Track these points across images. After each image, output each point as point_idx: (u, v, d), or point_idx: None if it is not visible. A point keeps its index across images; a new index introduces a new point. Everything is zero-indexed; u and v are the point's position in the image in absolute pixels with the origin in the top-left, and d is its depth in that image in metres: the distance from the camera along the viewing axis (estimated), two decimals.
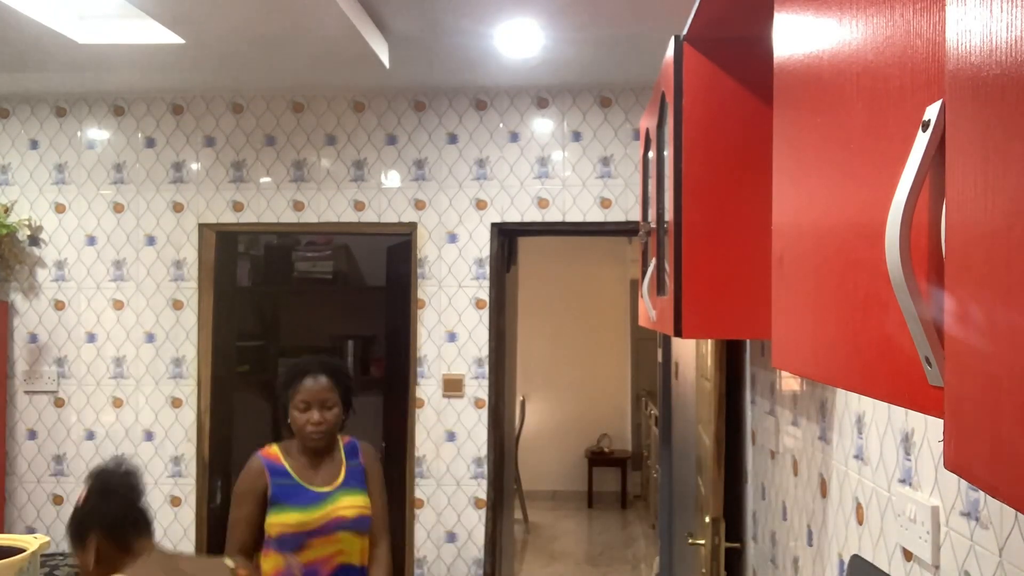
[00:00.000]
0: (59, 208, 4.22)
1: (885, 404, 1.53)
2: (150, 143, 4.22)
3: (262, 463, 2.56)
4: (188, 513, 4.13)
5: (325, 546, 2.51)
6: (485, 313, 4.08)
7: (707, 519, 2.73)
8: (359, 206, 4.12)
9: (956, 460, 0.54)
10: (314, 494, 2.53)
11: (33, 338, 4.21)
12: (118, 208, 4.21)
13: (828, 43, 0.81)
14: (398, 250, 4.56)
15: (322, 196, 4.14)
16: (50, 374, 4.20)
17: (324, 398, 2.58)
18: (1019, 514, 1.09)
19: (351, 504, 2.56)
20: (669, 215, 1.78)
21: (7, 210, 4.18)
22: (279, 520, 2.49)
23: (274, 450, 2.61)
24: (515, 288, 4.82)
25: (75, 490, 4.17)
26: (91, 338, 4.20)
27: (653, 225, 2.05)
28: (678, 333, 1.70)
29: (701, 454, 3.04)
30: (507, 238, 4.33)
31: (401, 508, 4.15)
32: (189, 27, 2.99)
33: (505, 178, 4.08)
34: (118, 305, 4.19)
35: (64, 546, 4.15)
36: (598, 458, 8.02)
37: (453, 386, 4.06)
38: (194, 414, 4.16)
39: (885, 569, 1.53)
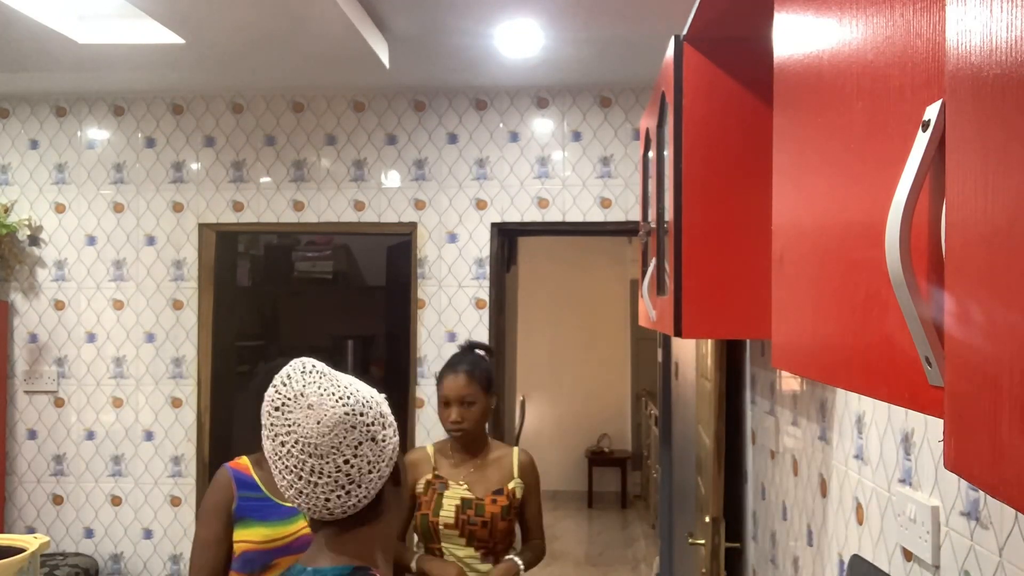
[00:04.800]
0: (59, 208, 4.22)
1: (885, 404, 1.53)
2: (150, 143, 4.22)
3: (229, 475, 2.20)
4: (188, 513, 4.13)
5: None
6: (485, 313, 4.07)
7: (707, 519, 2.73)
8: (359, 206, 4.12)
9: (956, 460, 0.54)
10: (285, 509, 2.17)
11: (33, 338, 4.21)
12: (118, 208, 4.20)
13: (828, 43, 0.81)
14: (398, 250, 4.56)
15: (322, 196, 4.14)
16: (50, 374, 4.20)
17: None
18: (1019, 514, 1.09)
19: None
20: (669, 215, 1.78)
21: (7, 210, 4.18)
22: (244, 537, 2.14)
23: (243, 461, 2.25)
24: (515, 288, 4.82)
25: (75, 490, 4.17)
26: (91, 338, 4.20)
27: (653, 225, 2.05)
28: (678, 333, 1.70)
29: (701, 454, 3.04)
30: (507, 238, 4.33)
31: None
32: (189, 27, 2.99)
33: (505, 178, 4.08)
34: (118, 305, 4.19)
35: (63, 546, 4.17)
36: (598, 458, 8.01)
37: None
38: (194, 414, 4.16)
39: (885, 569, 1.53)
